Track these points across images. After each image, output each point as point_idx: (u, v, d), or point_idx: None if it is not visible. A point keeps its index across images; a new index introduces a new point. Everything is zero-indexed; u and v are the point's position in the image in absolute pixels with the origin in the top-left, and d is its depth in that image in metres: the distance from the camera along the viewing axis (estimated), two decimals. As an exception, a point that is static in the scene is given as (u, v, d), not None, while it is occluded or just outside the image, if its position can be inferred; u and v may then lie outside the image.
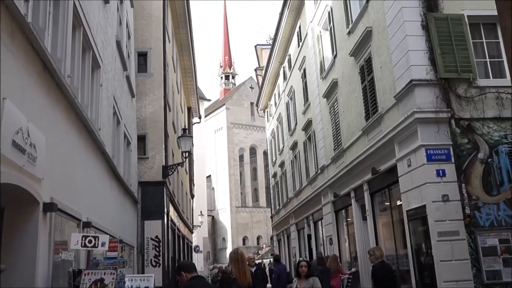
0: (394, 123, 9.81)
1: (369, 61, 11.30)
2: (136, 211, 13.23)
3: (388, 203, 11.14)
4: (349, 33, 12.79)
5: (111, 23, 9.42)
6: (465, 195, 8.39)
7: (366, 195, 12.08)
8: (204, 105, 46.00)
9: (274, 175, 28.57)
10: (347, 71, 13.09)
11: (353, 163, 12.70)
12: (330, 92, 14.84)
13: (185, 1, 18.92)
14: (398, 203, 10.20)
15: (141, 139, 14.21)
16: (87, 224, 6.39)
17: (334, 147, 14.70)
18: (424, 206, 8.51)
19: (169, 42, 17.68)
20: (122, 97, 10.72)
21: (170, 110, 16.86)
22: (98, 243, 5.21)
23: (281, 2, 21.11)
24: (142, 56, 15.13)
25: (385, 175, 10.79)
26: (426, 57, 8.98)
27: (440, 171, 8.46)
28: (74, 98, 5.80)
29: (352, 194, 13.28)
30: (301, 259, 11.23)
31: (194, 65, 24.11)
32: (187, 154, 14.44)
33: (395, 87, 9.75)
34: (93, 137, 7.15)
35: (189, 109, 29.11)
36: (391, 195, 10.86)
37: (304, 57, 18.71)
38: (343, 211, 14.84)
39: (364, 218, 12.50)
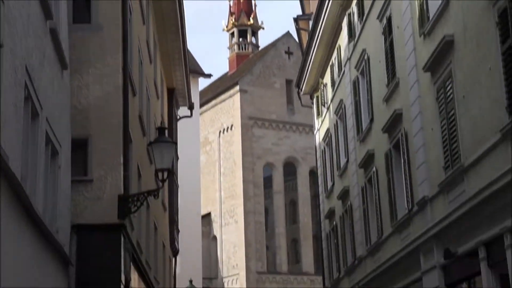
0: None
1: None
2: (67, 279, 13.23)
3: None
4: None
5: None
6: None
7: (510, 256, 11.85)
8: (200, 85, 46.20)
9: (330, 215, 28.79)
10: (473, 19, 13.18)
11: (482, 195, 12.60)
12: (439, 61, 14.93)
13: None
14: None
15: (80, 146, 14.33)
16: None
17: (446, 163, 14.70)
18: None
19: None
20: (42, 69, 10.85)
21: (135, 94, 17.01)
22: None
23: None
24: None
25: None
26: None
27: None
28: None
29: (482, 253, 13.17)
30: None
31: (181, 10, 24.19)
32: (166, 174, 14.52)
33: None
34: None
35: (171, 91, 29.15)
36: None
37: (388, -7, 18.85)
38: (465, 284, 14.75)
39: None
